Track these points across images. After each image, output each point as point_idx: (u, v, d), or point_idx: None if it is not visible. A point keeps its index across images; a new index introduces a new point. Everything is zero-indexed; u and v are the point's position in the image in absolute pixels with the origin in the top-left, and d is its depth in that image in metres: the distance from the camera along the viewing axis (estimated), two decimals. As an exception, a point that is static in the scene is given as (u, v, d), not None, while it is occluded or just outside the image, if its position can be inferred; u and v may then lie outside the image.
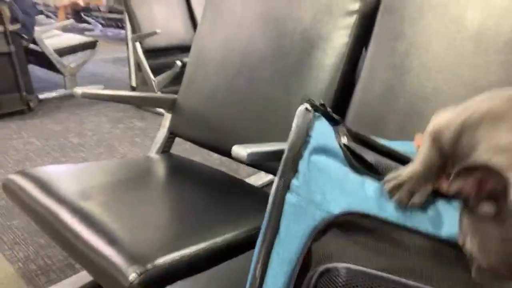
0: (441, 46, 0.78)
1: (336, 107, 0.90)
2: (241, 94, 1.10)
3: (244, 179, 1.24)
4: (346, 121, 0.87)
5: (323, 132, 0.49)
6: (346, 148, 0.46)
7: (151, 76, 2.76)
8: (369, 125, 0.84)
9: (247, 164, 0.87)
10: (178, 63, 2.70)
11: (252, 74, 1.08)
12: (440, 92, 0.76)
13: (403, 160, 0.45)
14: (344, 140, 0.47)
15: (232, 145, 0.70)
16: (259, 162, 0.81)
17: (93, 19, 6.94)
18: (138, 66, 2.95)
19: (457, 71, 0.76)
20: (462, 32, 0.76)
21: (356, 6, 0.93)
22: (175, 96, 1.25)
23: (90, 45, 3.27)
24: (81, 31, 6.08)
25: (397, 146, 0.48)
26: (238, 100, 1.10)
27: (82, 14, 7.01)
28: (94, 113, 2.82)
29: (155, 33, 2.64)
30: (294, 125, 0.50)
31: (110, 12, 6.67)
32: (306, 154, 0.47)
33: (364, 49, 0.93)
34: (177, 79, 2.11)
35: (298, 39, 1.01)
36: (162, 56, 2.88)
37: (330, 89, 0.94)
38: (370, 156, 0.45)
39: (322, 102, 0.51)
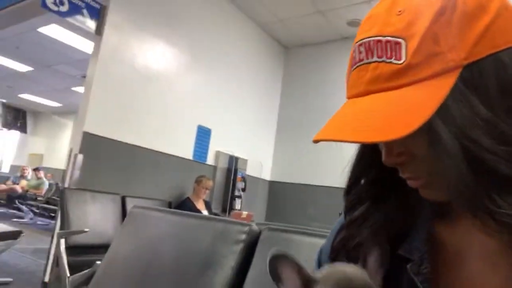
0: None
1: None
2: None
3: None
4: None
5: None
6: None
7: (67, 273, 2.69)
8: None
9: None
10: (98, 263, 2.70)
11: (155, 285, 1.20)
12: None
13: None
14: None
15: None
16: None
17: (26, 207, 6.89)
18: (57, 261, 2.89)
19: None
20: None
21: (243, 236, 1.16)
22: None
23: (13, 236, 3.23)
24: (10, 217, 5.93)
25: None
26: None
27: (17, 201, 6.97)
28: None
29: (83, 231, 2.73)
30: None
31: (46, 202, 6.72)
32: None
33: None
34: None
35: (196, 258, 1.19)
36: (85, 253, 2.88)
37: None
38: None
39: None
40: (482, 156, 0.36)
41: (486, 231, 0.39)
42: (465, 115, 0.36)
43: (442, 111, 0.36)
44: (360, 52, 0.41)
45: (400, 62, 0.37)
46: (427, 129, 0.36)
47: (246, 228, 1.17)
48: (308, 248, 1.05)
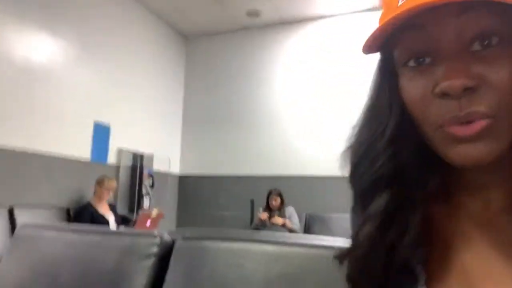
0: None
1: None
2: None
3: None
4: None
5: None
6: None
7: None
8: None
9: None
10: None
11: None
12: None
13: None
14: None
15: None
16: None
17: None
18: None
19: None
20: None
21: (154, 249, 1.08)
22: None
23: None
24: None
25: None
26: None
27: None
28: None
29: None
30: None
31: None
32: None
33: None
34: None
35: (102, 280, 1.07)
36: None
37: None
38: None
39: None
40: None
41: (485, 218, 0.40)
42: None
43: None
44: None
45: None
46: None
47: (157, 240, 1.08)
48: (225, 254, 1.01)
